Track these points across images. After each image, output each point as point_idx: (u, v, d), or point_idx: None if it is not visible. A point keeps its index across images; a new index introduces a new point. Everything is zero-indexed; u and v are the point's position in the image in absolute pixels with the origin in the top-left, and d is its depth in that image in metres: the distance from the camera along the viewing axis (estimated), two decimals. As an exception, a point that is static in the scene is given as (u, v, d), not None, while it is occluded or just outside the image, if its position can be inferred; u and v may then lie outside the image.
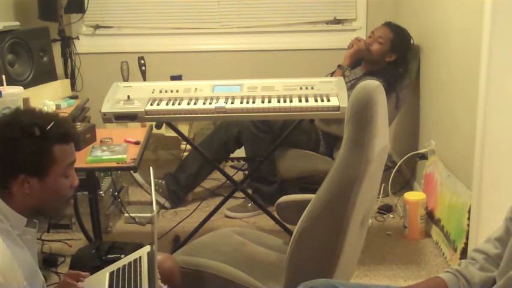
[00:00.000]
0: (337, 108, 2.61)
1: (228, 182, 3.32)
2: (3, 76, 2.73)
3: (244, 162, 3.95)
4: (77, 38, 4.20)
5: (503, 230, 1.59)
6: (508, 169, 2.58)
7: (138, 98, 2.68)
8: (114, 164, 2.46)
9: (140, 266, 1.87)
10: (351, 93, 1.82)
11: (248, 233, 2.39)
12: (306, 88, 2.73)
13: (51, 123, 1.56)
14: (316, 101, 2.66)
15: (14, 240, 1.52)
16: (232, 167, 4.12)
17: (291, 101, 2.66)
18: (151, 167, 1.89)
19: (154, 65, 3.98)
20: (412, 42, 3.61)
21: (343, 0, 4.36)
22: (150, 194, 1.89)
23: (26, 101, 2.74)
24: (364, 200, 1.79)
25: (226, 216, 3.53)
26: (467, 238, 2.72)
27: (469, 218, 2.71)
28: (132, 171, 2.75)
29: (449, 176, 3.02)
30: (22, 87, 2.66)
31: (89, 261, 2.22)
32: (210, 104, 2.65)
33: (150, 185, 1.91)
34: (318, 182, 1.90)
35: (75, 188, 1.66)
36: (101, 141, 2.66)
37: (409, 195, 3.23)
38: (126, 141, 2.66)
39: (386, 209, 3.51)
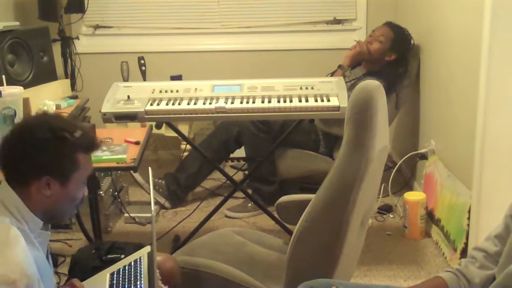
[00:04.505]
0: (337, 108, 2.61)
1: (228, 182, 3.32)
2: (3, 76, 2.72)
3: (244, 162, 3.95)
4: (77, 38, 4.20)
5: (502, 227, 1.59)
6: (508, 169, 2.58)
7: (138, 98, 2.68)
8: (114, 164, 2.46)
9: (140, 267, 1.87)
10: (351, 93, 1.82)
11: (248, 233, 2.39)
12: (306, 88, 2.73)
13: (81, 132, 1.61)
14: (316, 101, 2.66)
15: (31, 241, 1.53)
16: (232, 167, 4.12)
17: (291, 101, 2.66)
18: (149, 167, 1.90)
19: (154, 65, 3.97)
20: (412, 42, 3.61)
21: (343, 0, 4.36)
22: (150, 194, 1.90)
23: (26, 101, 2.74)
24: (364, 200, 1.79)
25: (226, 216, 3.53)
26: (467, 238, 2.72)
27: (469, 218, 2.71)
28: (132, 171, 2.75)
29: (449, 176, 3.02)
30: (22, 87, 2.66)
31: (89, 261, 2.22)
32: (210, 104, 2.65)
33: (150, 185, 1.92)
34: (318, 182, 1.90)
35: (83, 198, 1.69)
36: (101, 141, 2.66)
37: (409, 195, 3.23)
38: (126, 141, 2.66)
39: (386, 209, 3.51)
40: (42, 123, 1.60)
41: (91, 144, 1.65)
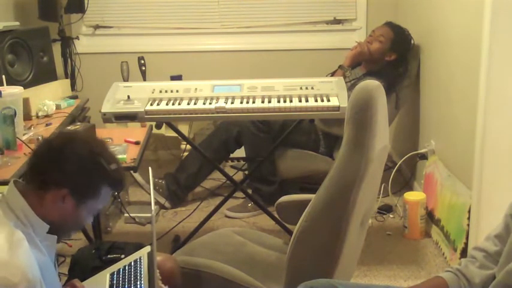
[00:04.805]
0: (337, 108, 2.61)
1: (228, 182, 3.32)
2: (3, 76, 2.73)
3: (244, 162, 3.95)
4: (77, 38, 4.21)
5: (502, 227, 1.59)
6: (508, 169, 2.58)
7: (138, 98, 2.68)
8: (114, 164, 2.45)
9: (140, 267, 1.87)
10: (351, 93, 1.82)
11: (248, 233, 2.39)
12: (306, 88, 2.73)
13: (116, 166, 1.63)
14: (316, 101, 2.66)
15: (35, 245, 1.54)
16: (232, 167, 4.12)
17: (291, 101, 2.66)
18: (149, 168, 1.90)
19: (154, 65, 3.98)
20: (412, 42, 3.61)
21: (343, 0, 4.36)
22: (150, 194, 1.91)
23: (26, 101, 2.74)
24: (364, 200, 1.79)
25: (226, 216, 3.53)
26: (467, 238, 2.72)
27: (469, 218, 2.71)
28: (132, 171, 2.75)
29: (449, 176, 3.02)
30: (22, 87, 2.66)
31: (89, 261, 2.22)
32: (210, 104, 2.65)
33: (150, 185, 1.92)
34: (318, 182, 1.90)
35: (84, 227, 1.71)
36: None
37: (409, 195, 3.23)
38: (126, 141, 2.66)
39: (386, 209, 3.51)
40: (86, 142, 1.63)
41: (119, 182, 1.67)
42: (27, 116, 2.77)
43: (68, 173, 1.56)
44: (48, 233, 1.59)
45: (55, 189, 1.55)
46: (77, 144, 1.60)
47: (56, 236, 1.63)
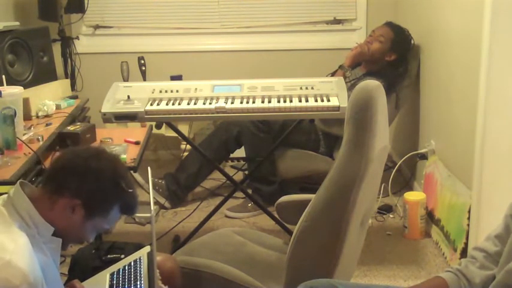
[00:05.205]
0: (337, 108, 2.61)
1: (228, 182, 3.32)
2: (3, 76, 2.73)
3: (244, 162, 3.95)
4: (77, 38, 4.21)
5: (502, 227, 1.59)
6: (508, 169, 2.58)
7: (138, 98, 2.68)
8: (114, 164, 2.45)
9: (140, 267, 1.87)
10: (351, 93, 1.82)
11: (248, 233, 2.39)
12: (306, 88, 2.73)
13: (133, 192, 1.68)
14: (316, 101, 2.66)
15: (39, 246, 1.54)
16: (232, 167, 4.12)
17: (291, 101, 2.66)
18: (149, 168, 1.90)
19: (154, 65, 3.98)
20: (412, 42, 3.61)
21: (343, 0, 4.36)
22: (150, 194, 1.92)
23: (26, 101, 2.74)
24: (364, 200, 1.79)
25: (226, 216, 3.53)
26: (467, 238, 2.72)
27: (469, 218, 2.71)
28: (132, 171, 2.74)
29: (449, 176, 3.02)
30: (22, 87, 2.66)
31: (89, 261, 2.22)
32: (210, 104, 2.65)
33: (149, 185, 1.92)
34: (318, 182, 1.90)
35: (83, 242, 1.76)
36: (101, 141, 2.66)
37: (409, 195, 3.23)
38: (126, 141, 2.66)
39: (386, 209, 3.51)
40: (112, 161, 1.66)
41: (131, 207, 1.70)
42: (27, 116, 2.77)
43: (86, 185, 1.57)
44: (53, 235, 1.59)
45: (69, 197, 1.56)
46: (103, 161, 1.62)
47: (61, 239, 1.62)
